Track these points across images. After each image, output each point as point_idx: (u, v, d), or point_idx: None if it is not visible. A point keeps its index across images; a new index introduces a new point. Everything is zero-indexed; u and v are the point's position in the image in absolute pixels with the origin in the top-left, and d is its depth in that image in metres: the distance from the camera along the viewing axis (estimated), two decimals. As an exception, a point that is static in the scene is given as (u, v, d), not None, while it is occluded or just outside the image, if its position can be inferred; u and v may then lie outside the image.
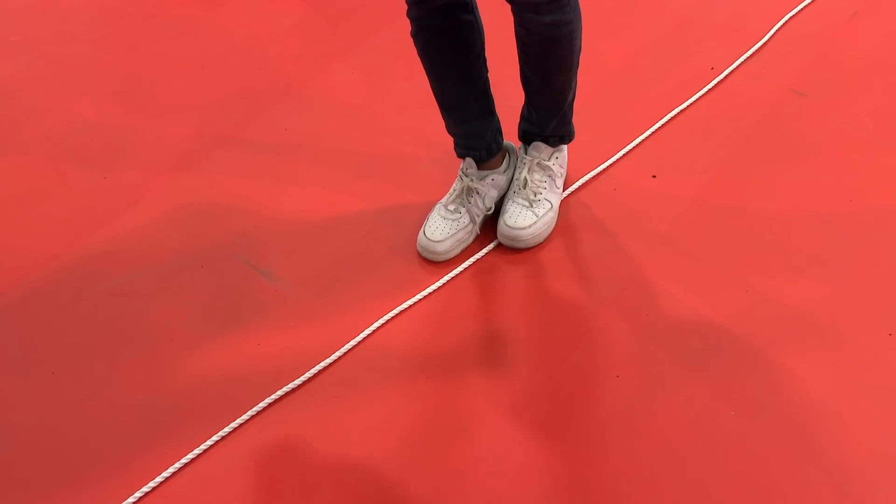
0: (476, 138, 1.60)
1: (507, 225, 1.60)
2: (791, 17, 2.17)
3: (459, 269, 1.58)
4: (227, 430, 1.33)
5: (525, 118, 1.65)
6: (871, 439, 1.29)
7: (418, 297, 1.53)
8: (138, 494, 1.26)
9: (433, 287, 1.55)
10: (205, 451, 1.31)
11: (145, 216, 1.72)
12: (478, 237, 1.64)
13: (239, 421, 1.35)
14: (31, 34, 2.27)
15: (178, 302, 1.55)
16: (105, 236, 1.68)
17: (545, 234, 1.62)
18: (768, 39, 2.10)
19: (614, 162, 1.78)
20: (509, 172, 1.67)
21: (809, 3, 2.22)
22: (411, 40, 1.48)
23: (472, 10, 1.46)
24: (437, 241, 1.58)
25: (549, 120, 1.60)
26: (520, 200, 1.62)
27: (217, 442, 1.32)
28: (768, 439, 1.30)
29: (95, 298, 1.55)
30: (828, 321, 1.46)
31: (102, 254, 1.64)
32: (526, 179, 1.62)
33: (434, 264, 1.59)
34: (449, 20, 1.44)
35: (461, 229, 1.61)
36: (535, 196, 1.62)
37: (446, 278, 1.56)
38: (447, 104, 1.58)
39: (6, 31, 2.27)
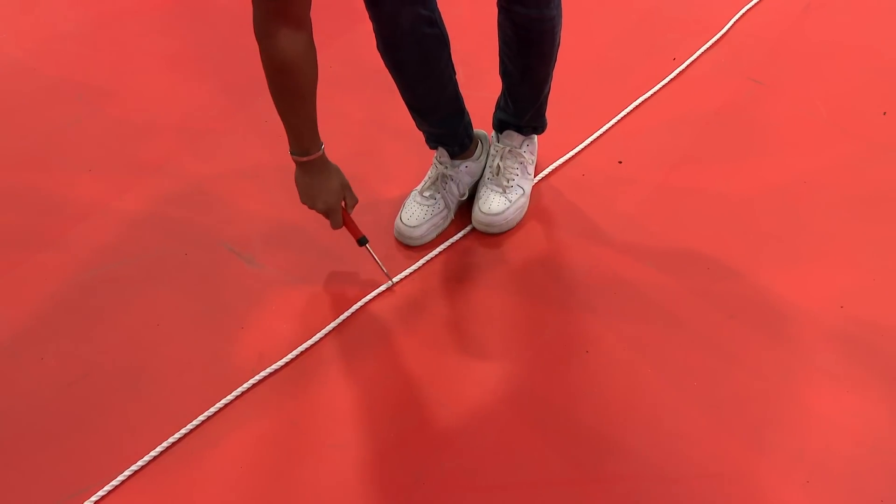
0: (448, 136, 1.58)
1: (481, 211, 1.59)
2: (748, 10, 2.18)
3: (435, 252, 1.57)
4: (212, 410, 1.32)
5: (501, 108, 1.63)
6: (825, 406, 1.30)
7: (396, 279, 1.52)
8: (127, 473, 1.24)
9: (410, 270, 1.54)
10: (191, 430, 1.30)
11: (131, 206, 1.69)
12: (453, 222, 1.63)
13: (224, 401, 1.33)
14: (17, 32, 2.22)
15: (163, 288, 1.52)
16: (92, 226, 1.65)
17: (518, 219, 1.62)
18: (727, 31, 2.10)
19: (583, 149, 1.78)
20: (482, 159, 1.66)
21: (765, -3, 2.23)
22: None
23: (436, 23, 1.42)
24: (414, 227, 1.57)
25: (525, 111, 1.59)
26: (493, 187, 1.61)
27: (203, 422, 1.31)
28: (729, 406, 1.30)
29: (84, 286, 1.53)
30: (783, 295, 1.47)
31: (90, 243, 1.61)
32: (499, 167, 1.61)
33: (411, 248, 1.58)
34: (415, 36, 1.40)
35: (436, 215, 1.59)
36: (508, 182, 1.61)
37: (422, 262, 1.56)
38: (417, 108, 1.55)
39: (-7, 29, 2.23)
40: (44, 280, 1.54)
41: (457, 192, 1.61)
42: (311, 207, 1.40)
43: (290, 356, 1.40)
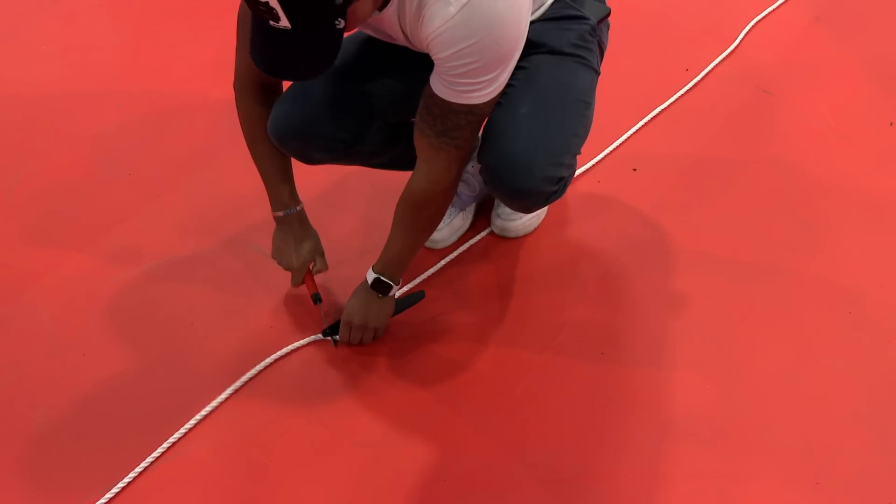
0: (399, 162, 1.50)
1: (499, 216, 1.58)
2: (758, 22, 2.14)
3: (454, 254, 1.55)
4: (227, 392, 1.32)
5: None
6: (832, 407, 1.27)
7: (417, 280, 1.51)
8: (155, 454, 1.25)
9: (431, 271, 1.52)
10: (206, 415, 1.30)
11: (167, 209, 1.69)
12: (473, 225, 1.61)
13: (236, 385, 1.33)
14: (60, 43, 2.23)
15: (196, 288, 1.52)
16: (130, 228, 1.65)
17: (535, 224, 1.60)
18: (739, 43, 2.06)
19: (600, 160, 1.75)
20: None
21: (775, 9, 2.19)
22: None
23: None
24: (436, 230, 1.54)
25: None
26: None
27: (220, 403, 1.31)
28: (738, 407, 1.28)
29: (121, 285, 1.53)
30: (793, 301, 1.45)
31: (128, 244, 1.61)
32: None
33: (433, 251, 1.57)
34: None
35: (454, 217, 1.57)
36: None
37: (442, 262, 1.54)
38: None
39: (38, 40, 2.23)
40: (84, 279, 1.54)
41: (466, 190, 1.58)
42: (278, 263, 1.40)
43: (300, 342, 1.39)
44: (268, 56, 1.01)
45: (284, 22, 0.94)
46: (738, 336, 1.39)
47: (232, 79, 1.32)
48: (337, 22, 0.97)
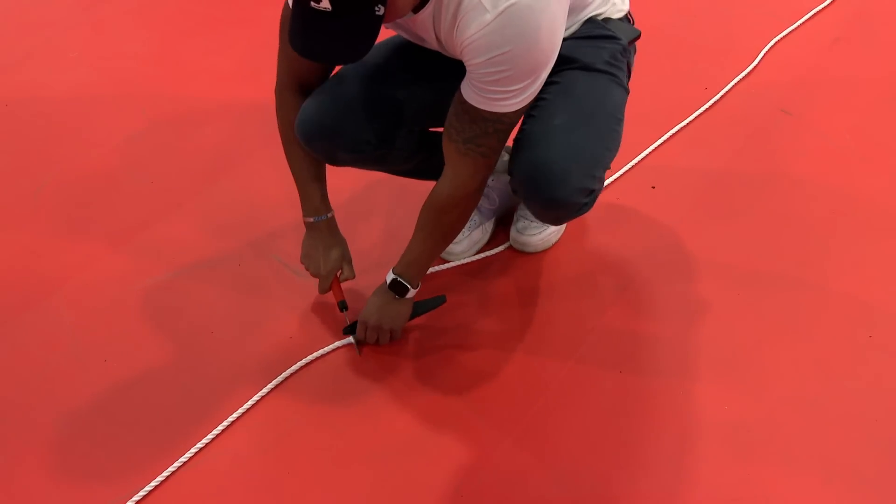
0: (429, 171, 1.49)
1: (517, 231, 1.57)
2: (778, 41, 2.13)
3: (468, 259, 1.55)
4: (249, 403, 1.31)
5: None
6: (856, 432, 1.26)
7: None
8: (176, 465, 1.24)
9: (441, 268, 1.52)
10: (226, 427, 1.29)
11: (189, 217, 1.70)
12: (491, 239, 1.60)
13: (261, 393, 1.33)
14: (87, 50, 2.25)
15: (217, 296, 1.52)
16: (152, 236, 1.65)
17: (554, 240, 1.59)
18: (758, 62, 2.05)
19: (618, 177, 1.74)
20: None
21: (795, 29, 2.18)
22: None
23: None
24: (454, 243, 1.54)
25: None
26: (528, 215, 1.57)
27: (249, 409, 1.30)
28: (762, 427, 1.27)
29: (143, 293, 1.53)
30: (813, 319, 1.43)
31: (149, 252, 1.62)
32: None
33: (451, 263, 1.56)
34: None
35: (473, 230, 1.57)
36: None
37: (452, 264, 1.53)
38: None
39: (65, 47, 2.25)
40: (107, 285, 1.55)
41: (486, 204, 1.58)
42: (306, 268, 1.40)
43: (325, 349, 1.38)
44: (305, 38, 1.01)
45: (325, 3, 0.94)
46: (757, 355, 1.38)
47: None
48: (377, 8, 0.97)
